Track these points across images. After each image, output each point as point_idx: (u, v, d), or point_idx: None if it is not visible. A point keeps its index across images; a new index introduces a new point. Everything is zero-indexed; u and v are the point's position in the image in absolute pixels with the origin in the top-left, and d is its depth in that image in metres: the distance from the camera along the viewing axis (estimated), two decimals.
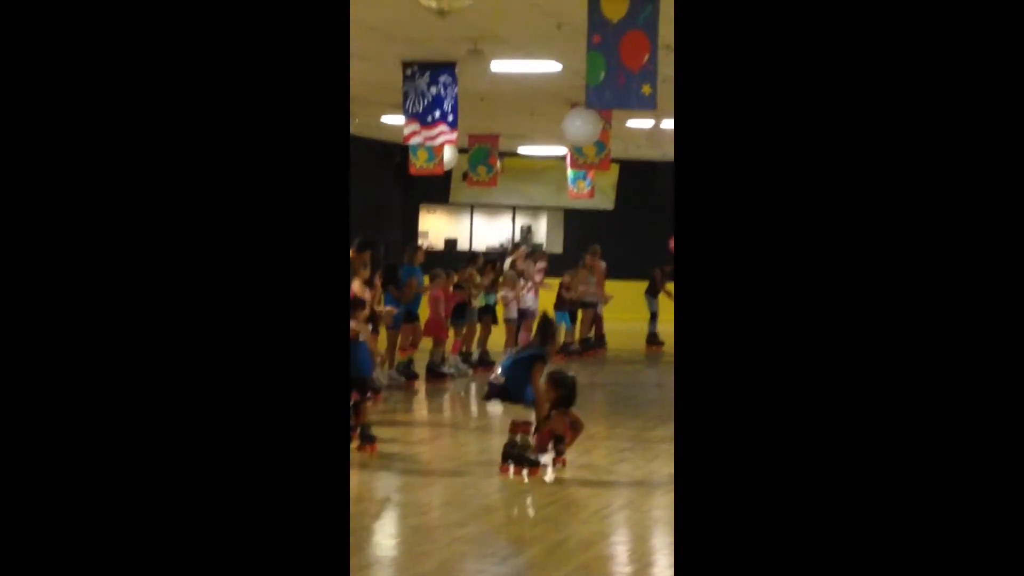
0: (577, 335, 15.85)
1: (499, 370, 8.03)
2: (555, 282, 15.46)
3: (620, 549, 6.14)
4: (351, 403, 8.56)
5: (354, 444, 8.23)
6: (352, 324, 8.67)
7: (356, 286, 8.97)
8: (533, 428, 7.81)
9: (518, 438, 7.80)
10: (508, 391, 7.87)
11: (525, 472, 7.77)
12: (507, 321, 14.37)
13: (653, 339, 16.94)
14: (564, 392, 7.93)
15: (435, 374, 12.68)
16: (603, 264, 16.65)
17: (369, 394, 8.75)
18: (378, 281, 11.01)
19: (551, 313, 10.57)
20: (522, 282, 14.47)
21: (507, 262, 15.24)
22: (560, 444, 7.97)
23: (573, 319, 15.75)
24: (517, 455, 7.80)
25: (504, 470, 7.84)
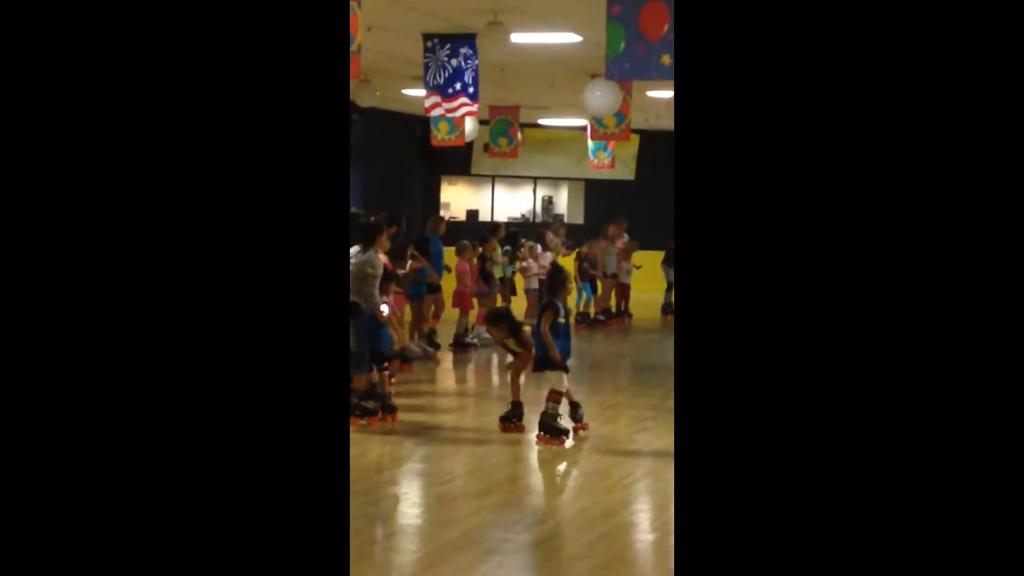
0: (594, 307, 15.89)
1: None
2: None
3: (642, 517, 6.20)
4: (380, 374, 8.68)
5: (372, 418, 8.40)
6: (383, 298, 8.78)
7: (384, 259, 9.04)
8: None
9: (549, 407, 7.88)
10: (539, 358, 7.97)
11: (554, 441, 7.86)
12: (527, 292, 14.44)
13: (669, 308, 17.00)
14: (506, 323, 8.10)
15: (460, 344, 12.78)
16: (626, 237, 16.69)
17: (387, 365, 8.82)
18: (411, 255, 11.21)
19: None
20: (548, 255, 14.53)
21: (548, 236, 15.31)
22: (578, 411, 8.05)
23: (594, 289, 15.79)
24: (547, 424, 7.88)
25: (540, 439, 7.92)
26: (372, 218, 9.19)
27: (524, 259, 14.48)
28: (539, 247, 14.70)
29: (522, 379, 8.30)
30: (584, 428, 8.07)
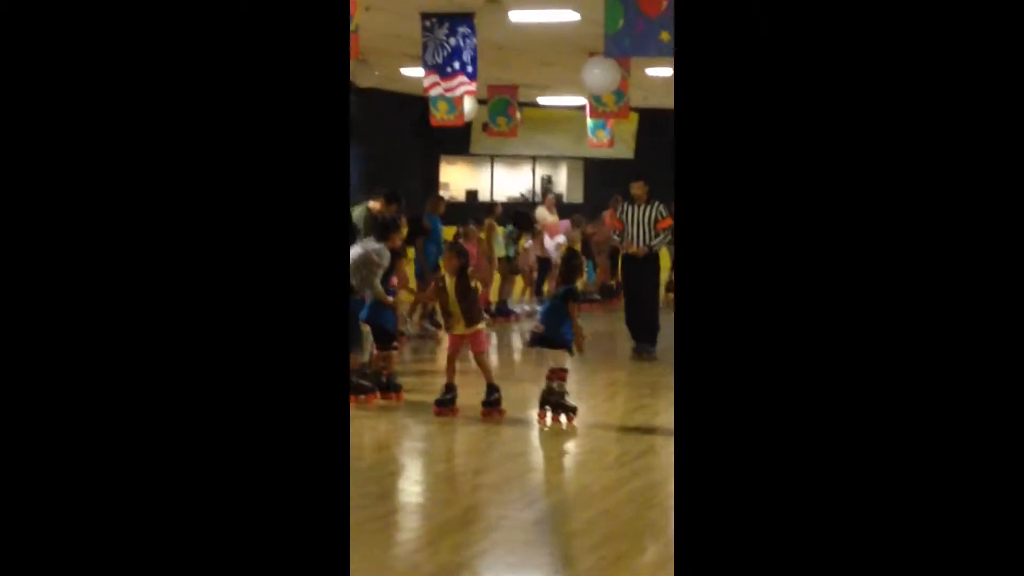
0: (596, 282, 15.92)
1: (538, 318, 8.14)
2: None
3: (641, 494, 6.23)
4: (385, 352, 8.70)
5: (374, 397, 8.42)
6: (392, 283, 8.85)
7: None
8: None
9: (555, 385, 7.89)
10: (546, 336, 7.95)
11: (563, 418, 7.88)
12: (524, 272, 14.52)
13: (669, 287, 16.99)
14: (461, 262, 8.09)
15: None
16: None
17: (394, 344, 8.86)
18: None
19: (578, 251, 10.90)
20: (554, 240, 14.59)
21: (538, 210, 15.31)
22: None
23: (594, 267, 15.82)
24: (555, 402, 7.90)
25: (542, 417, 7.95)
26: (389, 216, 9.26)
27: (528, 240, 14.51)
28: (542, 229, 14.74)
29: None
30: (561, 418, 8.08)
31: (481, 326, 8.17)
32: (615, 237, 11.79)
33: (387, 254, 8.66)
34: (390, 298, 8.75)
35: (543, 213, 15.69)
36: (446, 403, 8.10)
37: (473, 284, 8.12)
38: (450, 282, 8.01)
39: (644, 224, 10.99)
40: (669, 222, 10.98)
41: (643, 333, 11.17)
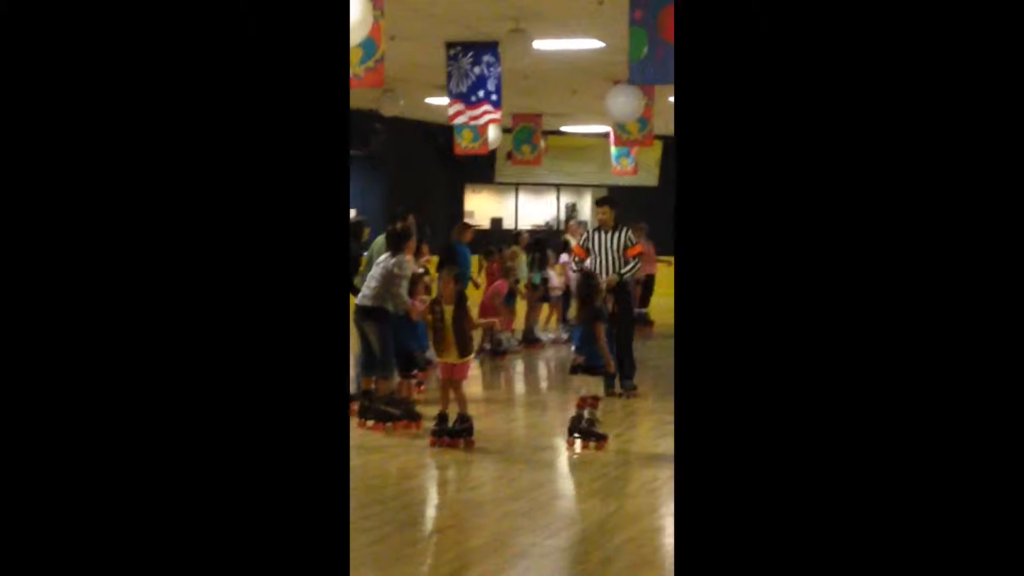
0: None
1: (573, 347, 8.12)
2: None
3: (668, 521, 6.19)
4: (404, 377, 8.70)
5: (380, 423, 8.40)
6: (415, 302, 8.84)
7: (412, 263, 9.11)
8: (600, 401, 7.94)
9: (586, 412, 7.90)
10: (587, 365, 7.96)
11: (592, 445, 7.87)
12: (549, 300, 14.53)
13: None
14: (459, 287, 8.08)
15: (495, 352, 12.85)
16: (647, 242, 16.63)
17: (415, 372, 8.85)
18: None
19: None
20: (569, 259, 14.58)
21: (566, 239, 15.31)
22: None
23: None
24: (585, 429, 7.89)
25: (570, 444, 7.94)
26: (400, 225, 9.30)
27: (552, 266, 14.53)
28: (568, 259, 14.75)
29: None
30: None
31: (470, 358, 8.12)
32: (573, 267, 10.96)
33: (405, 263, 8.64)
34: (415, 307, 8.73)
35: (569, 240, 15.70)
36: (446, 433, 7.98)
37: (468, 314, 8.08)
38: (447, 310, 7.90)
39: (613, 251, 10.10)
40: (640, 248, 10.36)
41: (619, 368, 9.95)
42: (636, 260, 10.19)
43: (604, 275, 9.87)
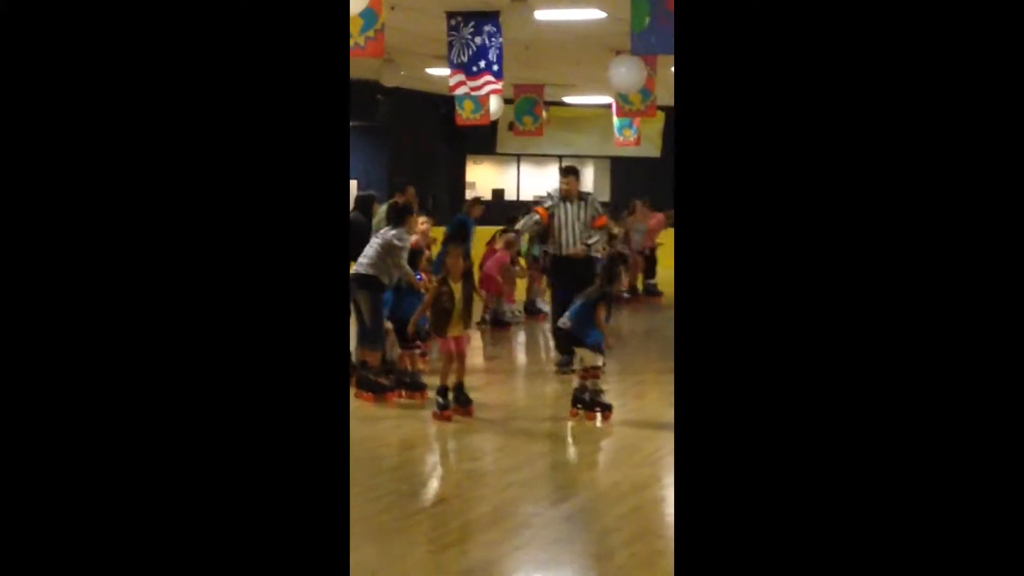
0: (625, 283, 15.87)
1: (567, 315, 8.09)
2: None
3: (672, 492, 6.19)
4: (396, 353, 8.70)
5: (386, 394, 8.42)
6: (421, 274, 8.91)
7: (414, 238, 9.13)
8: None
9: (588, 383, 7.90)
10: (573, 334, 7.96)
11: (599, 416, 7.87)
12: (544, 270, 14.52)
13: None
14: (467, 264, 8.07)
15: (498, 323, 12.85)
16: (655, 213, 16.56)
17: (417, 343, 8.83)
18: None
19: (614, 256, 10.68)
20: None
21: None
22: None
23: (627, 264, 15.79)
24: (589, 400, 7.90)
25: (573, 414, 7.95)
26: (403, 203, 9.28)
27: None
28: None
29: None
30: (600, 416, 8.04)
31: (469, 329, 8.19)
32: (548, 247, 10.53)
33: (406, 235, 8.63)
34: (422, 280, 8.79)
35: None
36: (453, 403, 8.02)
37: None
38: (456, 288, 7.87)
39: (579, 222, 9.89)
40: (605, 220, 10.16)
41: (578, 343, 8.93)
42: (603, 230, 10.10)
43: (570, 247, 9.80)
